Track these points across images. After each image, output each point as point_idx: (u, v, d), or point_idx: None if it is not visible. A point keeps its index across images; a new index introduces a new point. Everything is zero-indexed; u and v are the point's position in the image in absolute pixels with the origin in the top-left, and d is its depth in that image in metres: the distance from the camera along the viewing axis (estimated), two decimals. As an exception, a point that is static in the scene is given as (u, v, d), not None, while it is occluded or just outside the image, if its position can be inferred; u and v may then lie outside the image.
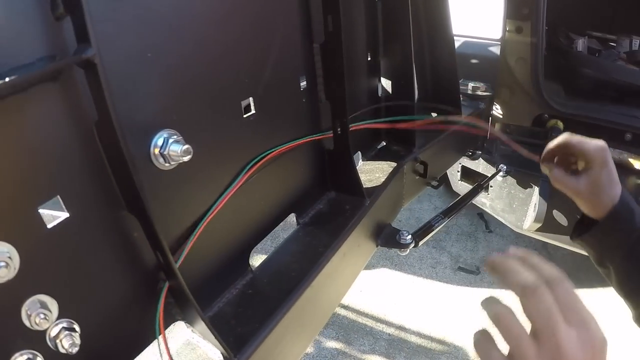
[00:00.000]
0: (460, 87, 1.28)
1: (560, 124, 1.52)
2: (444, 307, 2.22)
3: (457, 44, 1.40)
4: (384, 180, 0.81)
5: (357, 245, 0.75)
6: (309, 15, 0.63)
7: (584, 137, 0.70)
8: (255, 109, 0.58)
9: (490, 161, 1.44)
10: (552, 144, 0.74)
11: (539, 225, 1.32)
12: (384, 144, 0.98)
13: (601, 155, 0.68)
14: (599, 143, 0.68)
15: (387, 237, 0.85)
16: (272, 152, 0.60)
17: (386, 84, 0.93)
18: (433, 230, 0.93)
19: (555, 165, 0.77)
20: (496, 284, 2.31)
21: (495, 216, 1.59)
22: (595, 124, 1.51)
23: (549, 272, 0.43)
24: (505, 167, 1.33)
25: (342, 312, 2.22)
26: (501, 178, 1.39)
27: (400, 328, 2.14)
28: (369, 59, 0.87)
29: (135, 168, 0.43)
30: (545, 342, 0.39)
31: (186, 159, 0.47)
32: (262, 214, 0.66)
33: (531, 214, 1.36)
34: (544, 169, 0.78)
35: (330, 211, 0.75)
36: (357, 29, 0.80)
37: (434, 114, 1.18)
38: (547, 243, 1.93)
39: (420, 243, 0.89)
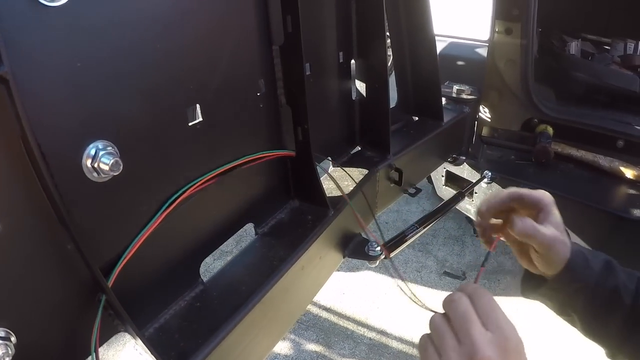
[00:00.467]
0: (445, 90, 1.26)
1: (550, 129, 1.49)
2: (427, 313, 2.20)
3: (443, 45, 1.37)
4: (352, 190, 0.79)
5: (318, 257, 0.72)
6: (267, 15, 0.60)
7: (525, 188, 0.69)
8: (204, 117, 0.55)
9: (475, 167, 1.41)
10: (498, 198, 0.69)
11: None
12: (359, 148, 0.95)
13: (552, 202, 0.67)
14: (546, 192, 0.68)
15: (355, 248, 0.82)
16: (216, 171, 0.57)
17: (361, 86, 0.90)
18: (406, 241, 0.90)
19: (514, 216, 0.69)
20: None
21: (479, 222, 1.57)
22: (586, 129, 1.49)
23: (473, 287, 0.51)
24: (490, 174, 1.31)
25: (323, 314, 2.21)
26: (486, 184, 1.36)
27: (382, 332, 2.12)
28: (341, 60, 0.84)
29: (52, 180, 0.40)
30: (463, 340, 0.46)
31: (115, 172, 0.45)
32: (215, 224, 0.63)
33: (515, 222, 1.34)
34: (485, 236, 0.71)
35: (291, 221, 0.73)
36: (327, 29, 0.77)
37: (415, 118, 1.15)
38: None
39: (392, 255, 0.87)
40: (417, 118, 1.15)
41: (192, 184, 0.55)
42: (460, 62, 1.30)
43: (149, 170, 0.51)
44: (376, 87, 0.88)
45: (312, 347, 2.04)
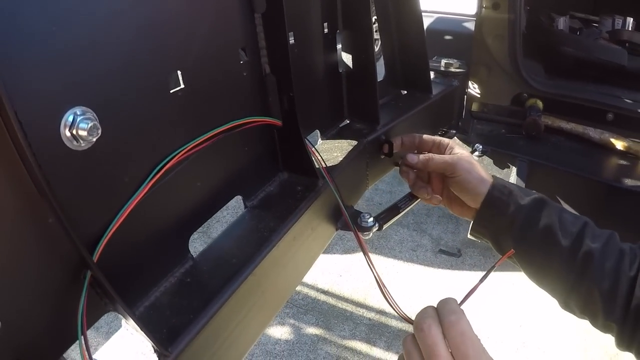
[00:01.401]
0: (433, 64, 1.24)
1: (540, 103, 1.49)
2: (425, 291, 2.21)
3: (430, 20, 1.36)
4: (341, 160, 0.77)
5: (310, 228, 0.71)
6: (247, -19, 0.58)
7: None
8: (185, 84, 0.53)
9: (465, 141, 1.40)
10: (416, 159, 0.79)
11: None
12: (347, 122, 0.94)
13: (454, 142, 0.78)
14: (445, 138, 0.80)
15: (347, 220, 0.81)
16: (201, 138, 0.56)
17: (347, 59, 0.88)
18: (400, 212, 0.89)
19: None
20: (477, 266, 2.31)
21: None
22: (576, 103, 1.49)
23: (448, 310, 0.49)
24: (481, 147, 1.30)
25: (322, 297, 2.21)
26: (477, 158, 1.35)
27: (381, 312, 2.13)
28: (326, 31, 0.82)
29: (31, 150, 0.39)
30: None
31: (93, 137, 0.43)
32: (202, 196, 0.62)
33: (507, 195, 1.34)
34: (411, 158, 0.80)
35: (281, 193, 0.71)
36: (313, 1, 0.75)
37: (403, 92, 1.14)
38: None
39: (385, 226, 0.86)
40: (405, 92, 1.13)
41: (176, 152, 0.53)
42: (447, 37, 1.28)
43: (131, 139, 0.50)
44: (363, 59, 0.86)
45: (312, 330, 2.05)
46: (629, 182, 1.24)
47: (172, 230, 0.59)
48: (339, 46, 0.88)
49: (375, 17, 0.96)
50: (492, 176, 0.71)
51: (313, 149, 0.70)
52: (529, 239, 0.65)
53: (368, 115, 0.90)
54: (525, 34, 1.39)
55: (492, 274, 0.54)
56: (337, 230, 0.81)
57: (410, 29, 1.03)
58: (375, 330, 2.04)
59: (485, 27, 1.37)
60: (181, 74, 0.53)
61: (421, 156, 0.77)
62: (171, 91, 0.52)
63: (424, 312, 0.51)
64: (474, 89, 1.61)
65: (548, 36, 1.53)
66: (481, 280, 0.55)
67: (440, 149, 0.79)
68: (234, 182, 0.65)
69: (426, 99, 1.08)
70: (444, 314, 0.49)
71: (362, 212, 0.81)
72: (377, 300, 2.16)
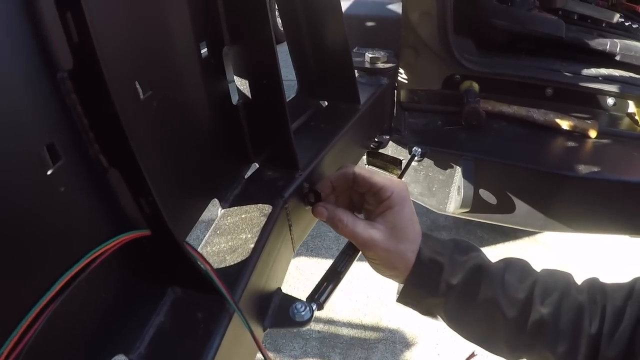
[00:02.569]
0: (356, 59, 1.02)
1: (476, 86, 1.33)
2: (372, 292, 2.07)
3: (346, 4, 1.12)
4: (253, 246, 0.54)
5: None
6: (34, 19, 0.32)
7: (373, 169, 0.64)
8: None
9: (400, 142, 1.22)
10: (332, 176, 0.64)
11: (466, 210, 1.14)
12: (257, 166, 0.70)
13: (404, 191, 0.60)
14: (397, 179, 0.61)
15: (276, 317, 0.59)
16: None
17: (243, 85, 0.64)
18: (341, 277, 0.69)
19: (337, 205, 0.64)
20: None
21: (414, 200, 1.41)
22: (512, 81, 1.35)
23: None
24: (420, 151, 1.12)
25: (264, 318, 2.01)
26: (417, 162, 1.18)
27: (330, 322, 1.97)
28: (205, 53, 0.57)
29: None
30: None
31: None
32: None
33: (455, 197, 1.18)
34: (319, 211, 0.63)
35: (175, 327, 0.47)
36: (167, 14, 0.49)
37: (323, 103, 0.91)
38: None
39: (327, 304, 0.66)
40: (326, 103, 0.91)
41: None
42: (369, 24, 1.06)
43: None
44: (264, 83, 0.62)
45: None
46: (582, 168, 1.12)
47: None
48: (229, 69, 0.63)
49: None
50: (422, 236, 0.60)
51: (200, 258, 0.46)
52: (468, 316, 0.58)
53: (282, 158, 0.66)
54: (455, 9, 1.21)
55: None
56: (264, 330, 0.59)
57: (327, 20, 0.80)
58: (327, 343, 1.88)
59: (410, 4, 1.17)
60: None
61: (337, 221, 0.60)
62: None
63: None
64: (400, 74, 1.42)
65: (477, 9, 1.35)
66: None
67: (377, 198, 0.61)
68: (101, 339, 0.41)
69: (354, 111, 0.86)
70: None
71: (293, 302, 0.60)
72: (324, 310, 1.99)
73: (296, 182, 0.65)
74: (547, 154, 1.19)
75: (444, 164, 1.18)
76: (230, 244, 0.55)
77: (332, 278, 0.68)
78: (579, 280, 0.59)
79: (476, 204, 1.15)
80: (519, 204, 1.17)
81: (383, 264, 0.59)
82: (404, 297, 0.61)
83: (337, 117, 0.84)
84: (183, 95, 0.53)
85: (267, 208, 0.60)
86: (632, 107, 1.43)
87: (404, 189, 0.60)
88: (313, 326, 1.93)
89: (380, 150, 1.24)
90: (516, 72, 1.34)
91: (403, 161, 1.24)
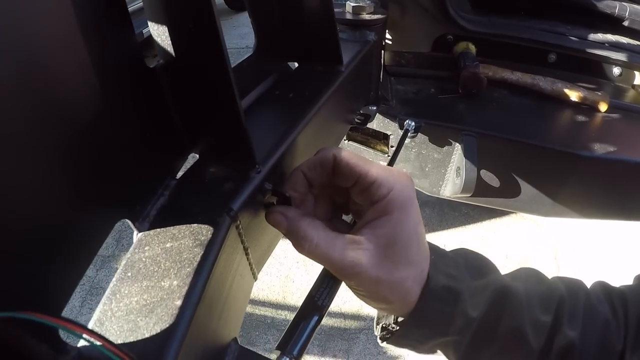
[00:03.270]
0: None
1: (473, 48, 1.10)
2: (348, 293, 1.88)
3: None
4: (181, 302, 0.31)
5: None
6: None
7: (360, 156, 0.41)
8: None
9: (388, 113, 0.99)
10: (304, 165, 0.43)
11: (468, 194, 0.94)
12: (197, 157, 0.47)
13: (407, 188, 0.40)
14: (399, 170, 0.42)
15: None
16: None
17: (163, 39, 0.39)
18: (324, 312, 0.47)
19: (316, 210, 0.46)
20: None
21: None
22: (512, 44, 1.13)
23: None
24: (413, 124, 0.90)
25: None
26: (411, 138, 0.96)
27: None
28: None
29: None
30: None
31: None
32: None
33: (453, 179, 0.98)
34: (275, 218, 0.42)
35: None
36: None
37: (292, 64, 0.67)
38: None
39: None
40: (296, 64, 0.67)
41: None
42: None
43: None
44: (190, 29, 0.38)
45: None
46: (598, 147, 0.93)
47: None
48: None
49: None
50: (430, 251, 0.44)
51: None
52: (486, 350, 0.45)
53: (230, 148, 0.43)
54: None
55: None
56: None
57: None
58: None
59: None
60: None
61: (300, 239, 0.40)
62: None
63: None
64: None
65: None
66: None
67: (368, 196, 0.41)
68: None
69: (335, 74, 0.63)
70: None
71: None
72: (298, 298, 1.79)
73: (252, 184, 0.42)
74: (558, 129, 0.99)
75: (440, 140, 0.96)
76: (145, 297, 0.33)
77: (309, 315, 0.47)
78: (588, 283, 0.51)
79: (478, 188, 0.95)
80: (525, 186, 0.98)
81: (371, 297, 0.42)
82: (400, 339, 0.46)
83: (312, 82, 0.61)
84: (53, 59, 0.28)
85: (206, 231, 0.37)
86: (638, 79, 1.25)
87: (407, 185, 0.41)
88: (287, 315, 1.73)
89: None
90: (517, 34, 1.12)
91: (391, 136, 1.02)
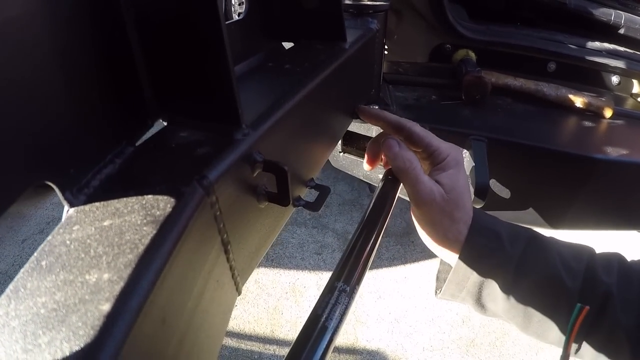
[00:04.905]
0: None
1: (473, 55, 1.02)
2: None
3: None
4: (109, 309, 0.18)
5: None
6: None
7: (427, 130, 0.54)
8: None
9: (388, 119, 0.88)
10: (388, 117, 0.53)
11: (480, 205, 0.82)
12: (165, 124, 0.34)
13: (460, 154, 0.53)
14: (449, 143, 0.55)
15: None
16: None
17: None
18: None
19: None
20: (397, 259, 1.89)
21: (401, 197, 1.08)
22: (511, 53, 1.06)
23: None
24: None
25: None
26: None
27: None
28: None
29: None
30: None
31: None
32: None
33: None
34: (389, 145, 0.49)
35: None
36: None
37: (287, 44, 0.56)
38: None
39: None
40: (292, 44, 0.56)
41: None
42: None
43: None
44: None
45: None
46: (612, 151, 0.83)
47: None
48: None
49: None
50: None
51: None
52: (527, 290, 0.47)
53: (209, 103, 0.30)
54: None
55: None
56: None
57: None
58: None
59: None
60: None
61: (406, 160, 0.48)
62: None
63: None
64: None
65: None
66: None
67: (431, 160, 0.52)
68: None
69: (338, 51, 0.52)
70: None
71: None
72: (287, 330, 1.62)
73: (237, 149, 0.29)
74: (567, 134, 0.90)
75: (444, 147, 0.85)
76: (58, 296, 0.19)
77: (316, 340, 0.33)
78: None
79: (487, 199, 0.83)
80: (538, 196, 0.88)
81: (433, 227, 0.49)
82: (450, 284, 0.50)
83: (312, 55, 0.49)
84: None
85: (164, 204, 0.23)
86: (636, 87, 1.19)
87: (460, 152, 0.53)
88: (275, 350, 1.55)
89: (352, 130, 0.91)
90: (517, 42, 1.05)
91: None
